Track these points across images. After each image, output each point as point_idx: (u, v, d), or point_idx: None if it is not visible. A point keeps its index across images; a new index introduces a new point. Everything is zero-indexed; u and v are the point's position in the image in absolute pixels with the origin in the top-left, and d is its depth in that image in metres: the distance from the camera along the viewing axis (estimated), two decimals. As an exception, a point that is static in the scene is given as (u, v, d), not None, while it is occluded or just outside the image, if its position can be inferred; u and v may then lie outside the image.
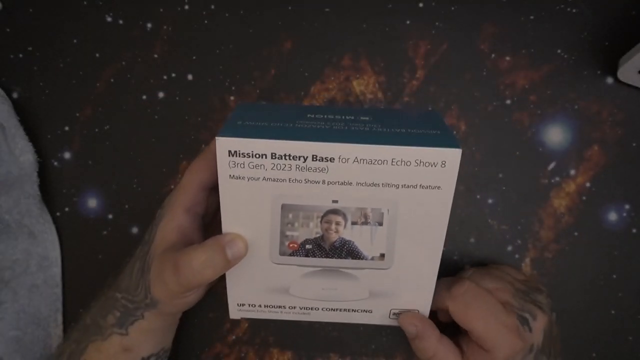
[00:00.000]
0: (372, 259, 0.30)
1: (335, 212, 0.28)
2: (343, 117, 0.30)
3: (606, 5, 0.37)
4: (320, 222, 0.28)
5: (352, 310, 0.32)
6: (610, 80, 0.37)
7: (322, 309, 0.32)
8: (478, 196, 0.38)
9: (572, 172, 0.38)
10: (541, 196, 0.38)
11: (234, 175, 0.27)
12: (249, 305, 0.32)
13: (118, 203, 0.40)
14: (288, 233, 0.29)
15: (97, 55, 0.40)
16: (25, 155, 0.38)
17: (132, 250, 0.41)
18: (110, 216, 0.40)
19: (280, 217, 0.28)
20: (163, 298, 0.30)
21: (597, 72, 0.37)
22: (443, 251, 0.38)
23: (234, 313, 0.33)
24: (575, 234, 0.38)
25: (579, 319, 0.38)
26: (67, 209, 0.41)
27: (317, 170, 0.27)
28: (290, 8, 0.39)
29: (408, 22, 0.38)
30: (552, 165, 0.38)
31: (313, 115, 0.30)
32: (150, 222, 0.40)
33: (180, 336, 0.40)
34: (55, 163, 0.40)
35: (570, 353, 0.38)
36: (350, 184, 0.27)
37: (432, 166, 0.26)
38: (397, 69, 0.38)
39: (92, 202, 0.40)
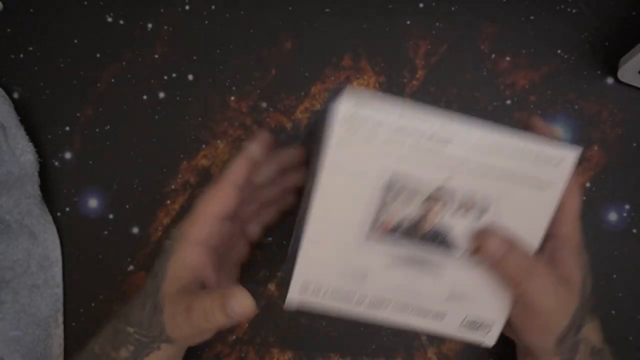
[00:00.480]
0: (465, 252, 0.28)
1: (440, 194, 0.27)
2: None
3: (606, 5, 0.37)
4: (422, 203, 0.27)
5: (424, 312, 0.29)
6: (610, 80, 0.37)
7: (394, 305, 0.29)
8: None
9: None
10: (541, 196, 0.38)
11: (343, 143, 0.25)
12: (316, 287, 0.28)
13: (118, 203, 0.40)
14: (385, 212, 0.27)
15: (98, 55, 0.40)
16: (25, 155, 0.38)
17: (132, 250, 0.41)
18: (110, 216, 0.40)
19: (382, 192, 0.26)
20: (178, 338, 0.29)
21: (597, 72, 0.37)
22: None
23: (294, 296, 0.29)
24: (575, 234, 0.38)
25: (579, 319, 0.38)
26: (67, 209, 0.41)
27: (433, 149, 0.26)
28: (290, 8, 0.39)
29: (408, 22, 0.38)
30: (552, 165, 0.38)
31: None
32: (150, 223, 0.40)
33: (180, 336, 0.40)
34: (56, 163, 0.40)
35: (570, 353, 0.38)
36: (464, 168, 0.26)
37: (547, 164, 0.26)
38: (397, 69, 0.38)
39: (93, 202, 0.40)
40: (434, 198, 0.27)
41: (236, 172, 0.30)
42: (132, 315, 0.31)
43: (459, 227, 0.28)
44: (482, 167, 0.26)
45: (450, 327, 0.30)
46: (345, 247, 0.28)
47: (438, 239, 0.28)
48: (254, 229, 0.34)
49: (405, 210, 0.27)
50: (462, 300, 0.29)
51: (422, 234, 0.28)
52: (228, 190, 0.29)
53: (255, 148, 0.30)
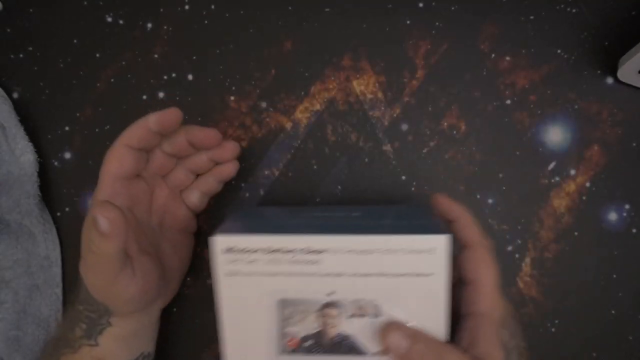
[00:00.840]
0: (375, 353, 0.29)
1: (331, 305, 0.28)
2: (334, 214, 0.31)
3: (606, 5, 0.37)
4: (317, 317, 0.28)
5: None
6: (610, 80, 0.37)
7: None
8: (478, 196, 0.38)
9: (572, 172, 0.38)
10: (541, 196, 0.38)
11: (230, 272, 0.27)
12: None
13: (118, 203, 0.40)
14: (287, 329, 0.28)
15: (98, 55, 0.40)
16: (25, 155, 0.38)
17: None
18: (110, 216, 0.40)
19: (278, 312, 0.28)
20: (108, 302, 0.30)
21: (597, 72, 0.37)
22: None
23: None
24: (575, 234, 0.38)
25: (579, 319, 0.38)
26: (67, 209, 0.41)
27: (311, 263, 0.27)
28: (290, 8, 0.39)
29: (408, 22, 0.38)
30: (552, 165, 0.38)
31: (307, 214, 0.31)
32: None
33: (180, 336, 0.40)
34: (56, 163, 0.40)
35: (571, 353, 0.38)
36: (344, 275, 0.27)
37: (422, 253, 0.27)
38: (397, 69, 0.38)
39: (93, 202, 0.40)
40: (324, 312, 0.28)
41: (128, 136, 0.31)
42: (80, 293, 0.32)
43: (360, 331, 0.28)
44: (361, 270, 0.27)
45: None
46: None
47: (344, 347, 0.29)
48: (193, 196, 0.36)
49: (304, 325, 0.28)
50: None
51: (327, 344, 0.29)
52: (121, 151, 0.31)
53: (152, 117, 0.31)
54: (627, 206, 0.37)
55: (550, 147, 0.38)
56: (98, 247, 0.28)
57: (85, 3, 0.40)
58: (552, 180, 0.38)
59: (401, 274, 0.27)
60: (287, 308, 0.28)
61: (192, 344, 0.41)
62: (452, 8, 0.38)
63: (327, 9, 0.38)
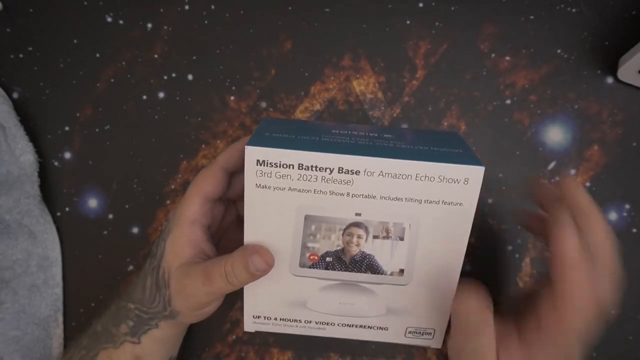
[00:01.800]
0: (392, 274, 0.30)
1: (357, 225, 0.28)
2: (367, 134, 0.30)
3: (606, 5, 0.37)
4: (342, 234, 0.29)
5: (368, 327, 0.32)
6: (610, 80, 0.37)
7: (338, 325, 0.32)
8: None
9: (572, 172, 0.38)
10: (541, 196, 0.38)
11: (260, 185, 0.27)
12: (265, 317, 0.32)
13: (118, 203, 0.40)
14: (309, 245, 0.29)
15: (98, 55, 0.40)
16: (25, 155, 0.38)
17: (132, 250, 0.41)
18: (110, 216, 0.40)
19: (303, 228, 0.28)
20: (185, 310, 0.31)
21: (597, 72, 0.37)
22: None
23: (249, 325, 0.32)
24: (575, 234, 0.38)
25: (579, 319, 0.38)
26: (67, 209, 0.41)
27: (342, 183, 0.27)
28: (290, 8, 0.39)
29: (408, 22, 0.38)
30: (552, 165, 0.38)
31: (338, 131, 0.30)
32: (150, 223, 0.40)
33: (180, 336, 0.40)
34: (56, 163, 0.40)
35: (570, 353, 0.38)
36: (374, 197, 0.27)
37: (455, 183, 0.27)
38: (397, 69, 0.38)
39: (93, 202, 0.40)
40: (349, 231, 0.29)
41: (227, 158, 0.31)
42: (134, 294, 0.32)
43: (381, 251, 0.29)
44: (392, 194, 0.27)
45: (397, 337, 0.32)
46: (282, 280, 0.30)
47: (364, 265, 0.29)
48: None
49: (328, 242, 0.29)
50: (401, 314, 0.31)
51: (348, 261, 0.29)
52: (218, 174, 0.31)
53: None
54: (627, 206, 0.37)
55: (550, 147, 0.38)
56: (238, 281, 0.29)
57: (85, 3, 0.40)
58: (552, 180, 0.38)
59: (431, 201, 0.27)
60: (313, 224, 0.28)
61: (192, 344, 0.41)
62: (452, 8, 0.38)
63: (327, 9, 0.38)
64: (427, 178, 0.27)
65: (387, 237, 0.29)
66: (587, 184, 0.37)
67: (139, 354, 0.32)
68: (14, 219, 0.39)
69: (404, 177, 0.27)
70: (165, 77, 0.40)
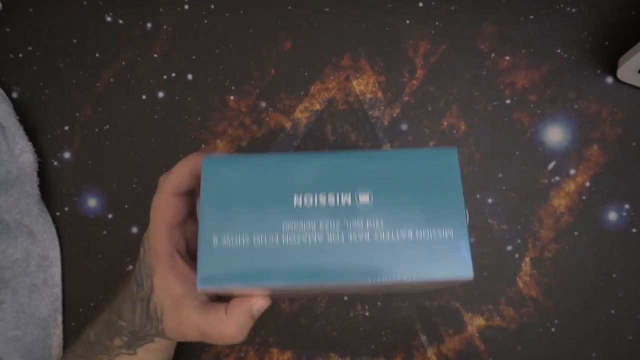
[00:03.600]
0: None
1: None
2: (337, 202, 0.24)
3: (606, 5, 0.37)
4: None
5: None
6: (610, 80, 0.37)
7: None
8: (478, 196, 0.38)
9: (572, 172, 0.38)
10: (541, 196, 0.38)
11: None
12: None
13: (118, 203, 0.40)
14: None
15: (97, 55, 0.40)
16: (25, 155, 0.38)
17: (132, 250, 0.41)
18: (110, 216, 0.40)
19: None
20: (179, 339, 0.30)
21: (597, 72, 0.37)
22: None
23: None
24: (575, 233, 0.38)
25: (579, 319, 0.38)
26: (67, 209, 0.41)
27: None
28: (290, 8, 0.39)
29: (408, 22, 0.38)
30: (552, 165, 0.38)
31: (301, 202, 0.24)
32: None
33: (180, 336, 0.40)
34: (55, 163, 0.40)
35: (571, 353, 0.38)
36: None
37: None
38: (397, 69, 0.38)
39: (92, 202, 0.40)
40: None
41: (175, 184, 0.29)
42: (124, 313, 0.31)
43: None
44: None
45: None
46: None
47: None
48: None
49: None
50: None
51: None
52: (172, 201, 0.29)
53: (192, 162, 0.29)
54: (627, 206, 0.37)
55: (550, 147, 0.38)
56: (238, 320, 0.28)
57: (85, 3, 0.40)
58: (552, 180, 0.38)
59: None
60: None
61: (192, 344, 0.40)
62: (452, 8, 0.38)
63: (327, 9, 0.38)
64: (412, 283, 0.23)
65: None
66: (587, 184, 0.37)
67: None
68: (13, 219, 0.39)
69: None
70: (165, 77, 0.40)
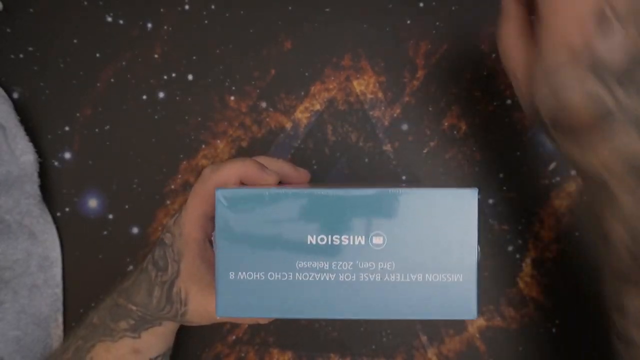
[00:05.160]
0: None
1: None
2: (351, 242, 0.24)
3: (606, 5, 0.37)
4: None
5: None
6: (610, 80, 0.37)
7: None
8: (478, 196, 0.38)
9: (573, 172, 0.37)
10: (542, 196, 0.38)
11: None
12: None
13: (118, 203, 0.40)
14: None
15: (98, 55, 0.40)
16: (25, 155, 0.38)
17: (132, 250, 0.41)
18: (110, 216, 0.40)
19: None
20: (201, 321, 0.31)
21: (598, 72, 0.37)
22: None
23: None
24: (576, 234, 0.38)
25: (579, 319, 0.38)
26: (67, 209, 0.41)
27: None
28: (290, 8, 0.39)
29: (408, 22, 0.38)
30: (552, 166, 0.38)
31: (315, 241, 0.24)
32: (150, 223, 0.40)
33: (180, 336, 0.40)
34: (56, 163, 0.40)
35: (571, 353, 0.38)
36: None
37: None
38: (397, 69, 0.38)
39: (93, 202, 0.40)
40: None
41: (220, 182, 0.30)
42: (136, 297, 0.32)
43: None
44: None
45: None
46: None
47: None
48: None
49: None
50: None
51: None
52: (210, 192, 0.30)
53: (250, 169, 0.30)
54: (627, 206, 0.37)
55: (550, 147, 0.38)
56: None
57: (85, 3, 0.40)
58: (553, 181, 0.38)
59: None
60: None
61: (192, 344, 0.41)
62: (452, 8, 0.38)
63: (327, 9, 0.38)
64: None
65: None
66: (588, 184, 0.37)
67: (138, 348, 0.32)
68: (14, 219, 0.39)
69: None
70: (165, 77, 0.40)
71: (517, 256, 0.38)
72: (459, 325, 0.38)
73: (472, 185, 0.38)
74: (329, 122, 0.39)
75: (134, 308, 0.32)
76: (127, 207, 0.40)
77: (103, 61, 0.40)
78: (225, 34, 0.39)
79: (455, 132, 0.38)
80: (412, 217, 0.24)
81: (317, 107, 0.39)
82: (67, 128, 0.40)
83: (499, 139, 0.38)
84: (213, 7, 0.39)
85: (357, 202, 0.24)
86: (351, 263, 0.24)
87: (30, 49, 0.40)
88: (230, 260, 0.25)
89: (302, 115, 0.39)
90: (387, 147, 0.39)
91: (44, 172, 0.40)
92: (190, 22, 0.39)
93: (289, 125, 0.39)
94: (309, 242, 0.24)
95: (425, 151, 0.38)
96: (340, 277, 0.24)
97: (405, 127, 0.38)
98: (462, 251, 0.24)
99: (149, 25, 0.39)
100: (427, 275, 0.24)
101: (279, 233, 0.24)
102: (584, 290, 0.38)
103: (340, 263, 0.24)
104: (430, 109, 0.38)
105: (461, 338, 0.38)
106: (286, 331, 0.40)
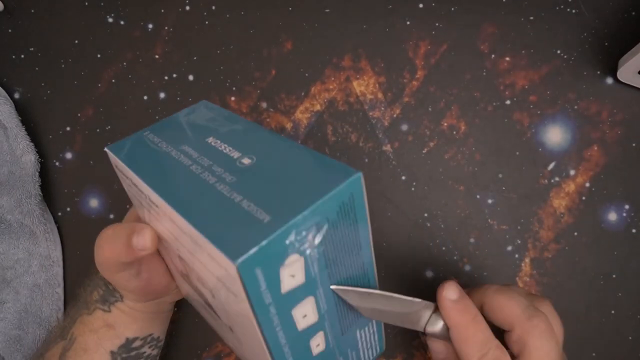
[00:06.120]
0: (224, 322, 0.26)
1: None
2: (230, 154, 0.25)
3: (606, 5, 0.37)
4: (180, 260, 0.26)
5: None
6: (610, 80, 0.37)
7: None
8: (478, 196, 0.38)
9: (572, 172, 0.38)
10: (541, 196, 0.38)
11: (123, 179, 0.28)
12: None
13: (119, 203, 0.40)
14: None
15: (99, 55, 0.40)
16: (27, 155, 0.38)
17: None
18: (111, 216, 0.40)
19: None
20: (111, 282, 0.31)
21: (597, 72, 0.37)
22: (444, 250, 0.38)
23: None
24: (575, 234, 0.38)
25: (579, 319, 0.38)
26: (68, 209, 0.41)
27: (158, 214, 0.25)
28: (290, 8, 0.39)
29: (408, 22, 0.38)
30: (552, 165, 0.38)
31: (211, 141, 0.26)
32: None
33: (180, 336, 0.40)
34: (57, 163, 0.41)
35: (571, 353, 0.38)
36: (178, 239, 0.24)
37: (219, 266, 0.20)
38: (397, 69, 0.38)
39: (94, 202, 0.40)
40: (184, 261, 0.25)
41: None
42: None
43: (208, 295, 0.25)
44: (186, 246, 0.23)
45: None
46: None
47: (203, 299, 0.27)
48: None
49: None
50: None
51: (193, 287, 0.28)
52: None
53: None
54: (626, 206, 0.37)
55: (550, 147, 0.38)
56: (122, 251, 0.28)
57: (87, 4, 0.40)
58: (552, 181, 0.38)
59: (214, 274, 0.21)
60: None
61: (192, 344, 0.41)
62: (452, 8, 0.38)
63: (327, 9, 0.39)
64: (200, 248, 0.21)
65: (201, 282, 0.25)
66: (587, 184, 0.38)
67: (110, 322, 0.32)
68: (15, 219, 0.39)
69: (189, 237, 0.22)
70: (166, 78, 0.40)
71: (517, 256, 0.38)
72: (458, 325, 0.38)
73: (473, 184, 0.38)
74: (329, 122, 0.39)
75: (101, 276, 0.32)
76: (127, 207, 0.40)
77: (104, 61, 0.40)
78: (226, 35, 0.39)
79: (455, 132, 0.38)
80: (292, 164, 0.23)
81: (317, 107, 0.39)
82: (68, 128, 0.40)
83: (498, 139, 0.38)
84: (214, 7, 0.39)
85: (255, 132, 0.26)
86: (224, 162, 0.24)
87: (32, 49, 0.40)
88: (163, 126, 0.28)
89: (303, 115, 0.39)
90: (387, 147, 0.39)
91: (45, 172, 0.40)
92: (191, 22, 0.39)
93: (289, 126, 0.39)
94: (206, 140, 0.26)
95: (425, 151, 0.38)
96: (201, 173, 0.24)
97: (405, 127, 0.39)
98: (299, 199, 0.21)
99: (150, 25, 0.39)
100: (246, 202, 0.21)
101: (188, 131, 0.28)
102: (584, 291, 0.38)
103: (212, 166, 0.24)
104: (429, 109, 0.38)
105: (461, 338, 0.38)
106: (286, 331, 0.40)
